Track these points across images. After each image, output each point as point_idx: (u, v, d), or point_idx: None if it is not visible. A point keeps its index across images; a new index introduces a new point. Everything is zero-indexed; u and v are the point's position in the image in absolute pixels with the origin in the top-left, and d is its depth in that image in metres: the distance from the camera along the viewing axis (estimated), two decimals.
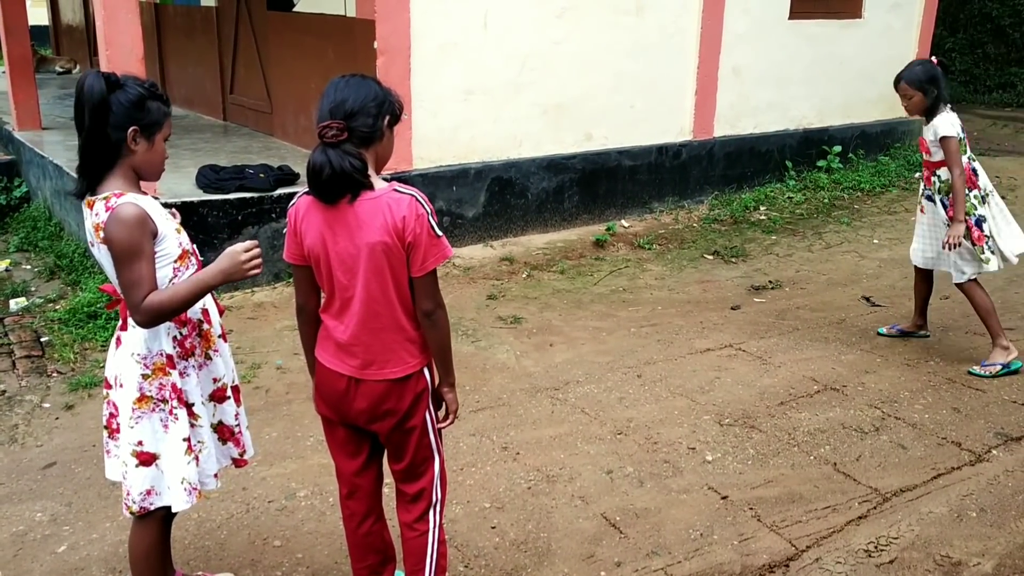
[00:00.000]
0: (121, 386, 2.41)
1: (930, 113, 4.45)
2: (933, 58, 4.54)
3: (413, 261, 2.25)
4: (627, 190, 7.35)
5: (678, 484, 3.53)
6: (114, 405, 2.45)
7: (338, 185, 2.16)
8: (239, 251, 2.33)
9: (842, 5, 8.43)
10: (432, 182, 6.24)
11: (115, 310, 2.53)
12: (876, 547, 3.13)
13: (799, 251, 6.84)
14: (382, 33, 5.84)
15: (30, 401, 4.17)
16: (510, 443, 3.82)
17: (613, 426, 3.99)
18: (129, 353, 2.39)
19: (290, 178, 5.88)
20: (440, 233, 2.27)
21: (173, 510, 2.48)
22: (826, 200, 7.99)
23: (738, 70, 7.77)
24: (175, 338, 2.43)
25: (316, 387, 2.45)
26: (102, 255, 2.33)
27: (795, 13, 8.02)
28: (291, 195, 5.05)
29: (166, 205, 2.50)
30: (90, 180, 2.32)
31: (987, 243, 4.45)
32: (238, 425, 2.65)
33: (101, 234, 2.26)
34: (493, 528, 3.23)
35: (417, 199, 2.23)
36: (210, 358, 2.54)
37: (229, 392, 2.61)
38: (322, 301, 2.39)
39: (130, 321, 2.36)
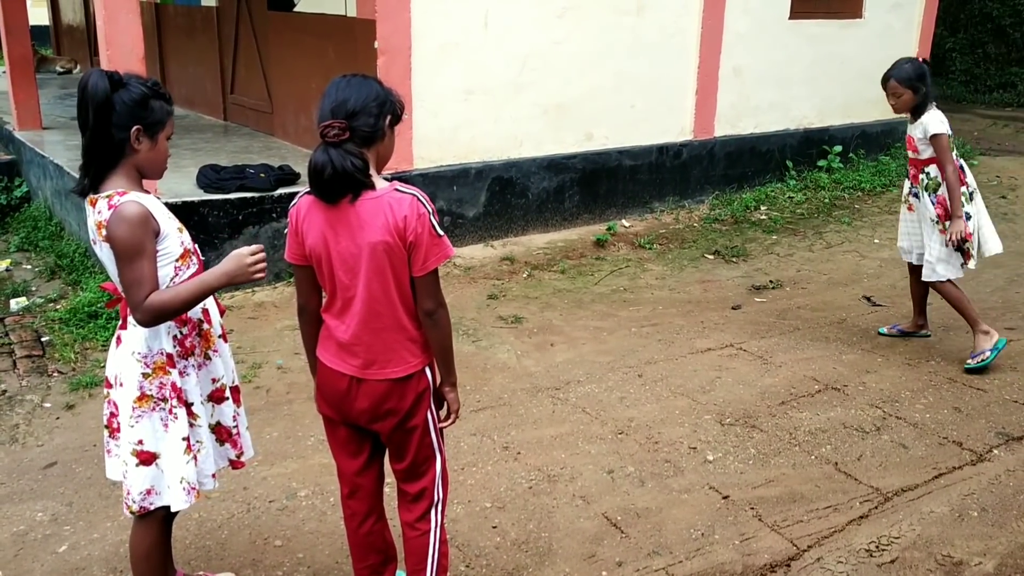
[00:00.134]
0: (121, 385, 2.41)
1: (918, 111, 4.45)
2: (919, 56, 4.53)
3: (415, 261, 2.25)
4: (628, 190, 7.35)
5: (679, 484, 3.53)
6: (115, 404, 2.45)
7: (340, 185, 2.16)
8: (244, 254, 2.34)
9: (842, 5, 8.42)
10: (433, 182, 6.24)
11: (115, 309, 2.53)
12: (877, 547, 3.13)
13: (800, 251, 6.84)
14: (383, 33, 5.84)
15: (31, 401, 4.17)
16: (511, 443, 3.82)
17: (614, 426, 3.99)
18: (130, 352, 2.39)
19: (291, 178, 5.88)
20: (441, 233, 2.27)
21: (172, 510, 2.48)
22: (827, 200, 7.99)
23: (739, 70, 7.77)
24: (175, 337, 2.43)
25: (318, 387, 2.45)
26: (104, 253, 2.33)
27: (795, 13, 8.01)
28: (292, 195, 5.04)
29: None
30: (93, 178, 2.32)
31: (973, 240, 4.48)
32: (236, 426, 2.65)
33: (103, 232, 2.26)
34: (494, 528, 3.23)
35: (418, 199, 2.23)
36: (209, 358, 2.54)
37: (228, 393, 2.60)
38: (323, 301, 2.39)
39: (130, 320, 2.36)
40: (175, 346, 2.43)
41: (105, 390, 2.50)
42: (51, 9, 14.27)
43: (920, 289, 4.91)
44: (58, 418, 4.02)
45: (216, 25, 8.54)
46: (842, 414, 4.13)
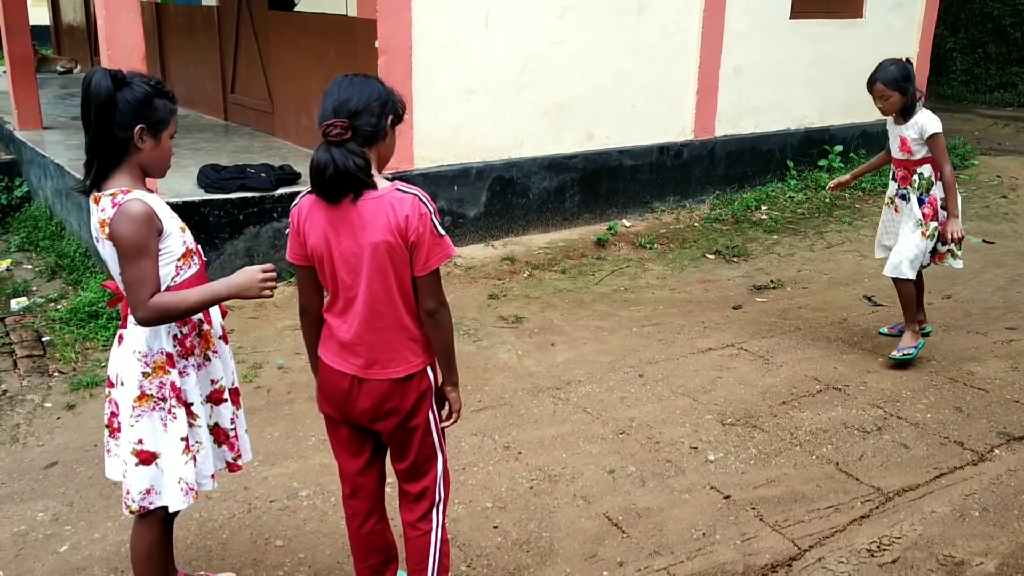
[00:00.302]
0: (122, 384, 2.41)
1: (907, 112, 4.41)
2: (903, 57, 4.51)
3: (416, 260, 2.25)
4: (628, 190, 7.35)
5: (680, 484, 3.53)
6: (116, 404, 2.45)
7: (341, 184, 2.16)
8: (256, 271, 2.36)
9: (843, 5, 8.42)
10: (433, 182, 6.24)
11: (116, 308, 2.53)
12: (879, 547, 3.13)
13: (801, 250, 6.83)
14: (383, 33, 5.84)
15: (31, 401, 4.17)
16: (512, 443, 3.82)
17: (615, 426, 3.99)
18: (130, 351, 2.39)
19: (291, 178, 5.88)
20: (443, 232, 2.27)
21: (170, 510, 2.48)
22: (827, 199, 7.99)
23: (739, 70, 7.77)
24: (175, 337, 2.43)
25: (319, 386, 2.44)
26: (106, 251, 2.33)
27: (796, 13, 8.01)
28: (292, 195, 5.06)
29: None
30: (96, 176, 2.32)
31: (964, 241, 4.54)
32: (234, 429, 2.64)
33: (107, 230, 2.26)
34: (495, 528, 3.23)
35: (420, 198, 2.23)
36: (208, 359, 2.54)
37: (226, 395, 2.60)
38: (325, 301, 2.38)
39: (130, 319, 2.36)
40: (175, 346, 2.42)
41: (107, 389, 2.49)
42: (51, 9, 14.27)
43: (917, 287, 4.91)
44: (59, 418, 4.02)
45: (217, 25, 8.54)
46: (843, 414, 4.13)
